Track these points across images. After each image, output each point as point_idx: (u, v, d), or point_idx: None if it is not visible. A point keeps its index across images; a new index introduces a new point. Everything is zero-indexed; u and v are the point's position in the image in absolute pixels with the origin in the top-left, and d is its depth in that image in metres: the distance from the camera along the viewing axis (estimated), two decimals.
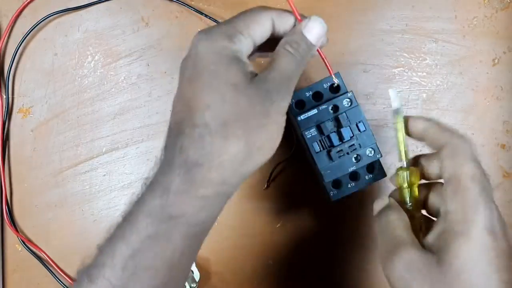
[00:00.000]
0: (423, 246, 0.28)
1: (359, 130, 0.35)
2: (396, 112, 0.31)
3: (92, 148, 0.46)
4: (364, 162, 0.35)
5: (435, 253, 0.27)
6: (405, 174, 0.31)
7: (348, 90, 0.35)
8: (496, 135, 0.44)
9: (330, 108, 0.35)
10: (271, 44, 0.30)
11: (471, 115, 0.45)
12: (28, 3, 0.45)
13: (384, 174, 0.36)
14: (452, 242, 0.26)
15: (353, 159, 0.35)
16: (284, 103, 0.28)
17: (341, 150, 0.35)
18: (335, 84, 0.36)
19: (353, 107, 0.35)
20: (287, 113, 0.29)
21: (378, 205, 0.32)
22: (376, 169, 0.36)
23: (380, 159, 0.36)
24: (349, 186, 0.36)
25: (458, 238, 0.26)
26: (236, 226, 0.45)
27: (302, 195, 0.45)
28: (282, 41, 0.29)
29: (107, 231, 0.27)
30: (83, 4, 0.45)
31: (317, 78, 0.38)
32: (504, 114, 0.44)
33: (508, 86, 0.44)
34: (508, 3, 0.45)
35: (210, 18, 0.44)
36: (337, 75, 0.35)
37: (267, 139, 0.27)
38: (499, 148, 0.45)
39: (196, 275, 0.43)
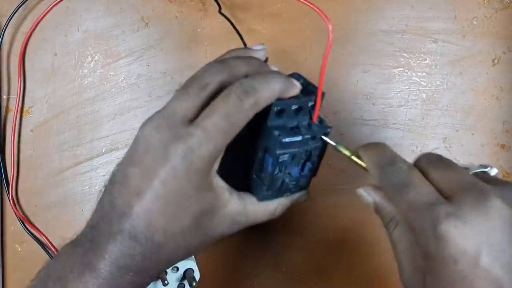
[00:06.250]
0: None
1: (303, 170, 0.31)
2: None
3: (92, 148, 0.46)
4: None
5: None
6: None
7: (329, 125, 0.30)
8: (496, 135, 0.45)
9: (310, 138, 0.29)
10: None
11: (471, 115, 0.45)
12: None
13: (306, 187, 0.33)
14: None
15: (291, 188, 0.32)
16: (179, 143, 0.25)
17: (289, 183, 0.31)
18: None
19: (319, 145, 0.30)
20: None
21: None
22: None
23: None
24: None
25: None
26: None
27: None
28: None
29: None
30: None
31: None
32: (504, 114, 0.44)
33: (508, 86, 0.45)
34: (508, 3, 0.45)
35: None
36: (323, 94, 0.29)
37: (165, 180, 0.25)
38: (499, 148, 0.45)
39: (196, 274, 0.43)
